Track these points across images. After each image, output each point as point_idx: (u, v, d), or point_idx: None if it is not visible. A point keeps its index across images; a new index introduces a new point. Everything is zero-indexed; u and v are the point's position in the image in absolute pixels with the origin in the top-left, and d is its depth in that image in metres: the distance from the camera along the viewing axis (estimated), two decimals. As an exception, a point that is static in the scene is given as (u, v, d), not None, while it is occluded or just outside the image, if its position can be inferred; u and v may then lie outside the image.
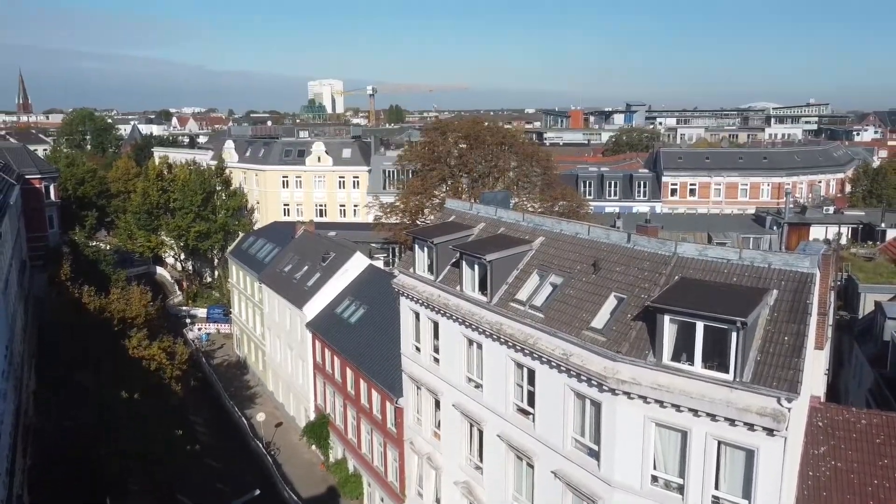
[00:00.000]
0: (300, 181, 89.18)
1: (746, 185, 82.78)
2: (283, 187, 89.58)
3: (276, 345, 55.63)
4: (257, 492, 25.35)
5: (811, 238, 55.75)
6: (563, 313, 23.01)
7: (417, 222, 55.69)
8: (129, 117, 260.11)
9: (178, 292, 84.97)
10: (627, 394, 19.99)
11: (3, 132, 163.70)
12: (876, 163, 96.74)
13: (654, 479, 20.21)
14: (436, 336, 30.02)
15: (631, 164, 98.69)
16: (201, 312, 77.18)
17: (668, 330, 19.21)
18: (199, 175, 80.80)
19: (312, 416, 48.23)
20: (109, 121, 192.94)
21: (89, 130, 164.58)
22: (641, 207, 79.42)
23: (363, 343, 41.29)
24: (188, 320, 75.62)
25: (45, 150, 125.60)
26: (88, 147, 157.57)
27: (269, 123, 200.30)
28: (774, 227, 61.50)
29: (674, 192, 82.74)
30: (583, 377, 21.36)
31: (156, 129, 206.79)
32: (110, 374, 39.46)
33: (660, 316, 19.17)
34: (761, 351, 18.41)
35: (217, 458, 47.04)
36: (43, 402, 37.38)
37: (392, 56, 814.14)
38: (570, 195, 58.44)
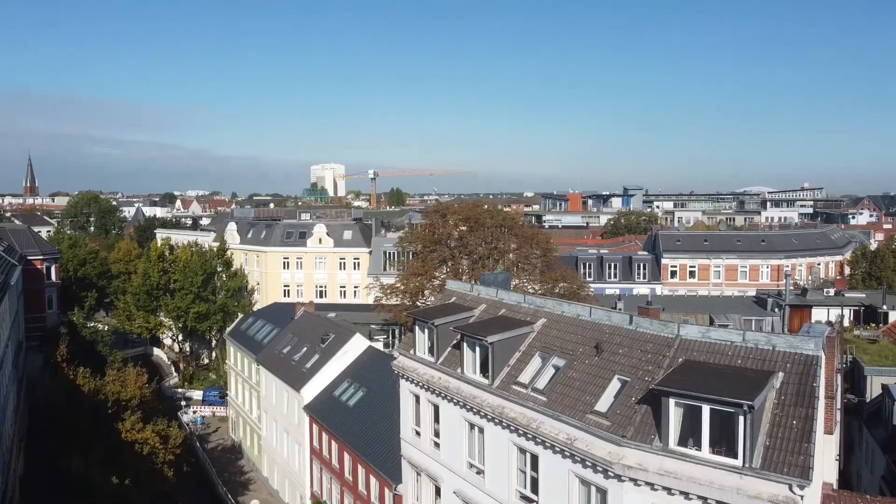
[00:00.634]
0: (301, 262, 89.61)
1: (746, 267, 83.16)
2: (284, 268, 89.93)
3: (272, 428, 54.45)
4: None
5: (813, 320, 55.48)
6: (566, 396, 22.62)
7: (418, 303, 55.57)
8: (134, 200, 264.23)
9: (175, 374, 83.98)
10: (634, 480, 19.40)
11: (8, 214, 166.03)
12: (873, 245, 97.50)
13: (665, 571, 19.34)
14: (436, 420, 29.41)
15: (630, 246, 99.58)
16: (197, 395, 76.01)
17: (674, 414, 18.84)
18: (200, 256, 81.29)
19: (308, 503, 46.71)
20: (114, 203, 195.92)
21: (93, 212, 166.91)
22: (642, 289, 79.46)
23: (362, 427, 40.43)
24: (183, 402, 74.32)
25: (49, 231, 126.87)
26: (92, 229, 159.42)
27: (272, 206, 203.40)
28: (776, 309, 61.32)
29: (674, 273, 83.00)
30: (588, 462, 20.79)
31: (159, 212, 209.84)
32: (102, 459, 38.44)
33: (665, 399, 18.84)
34: (770, 435, 17.99)
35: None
36: (30, 487, 36.27)
37: (392, 141, 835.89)
38: (570, 277, 58.56)
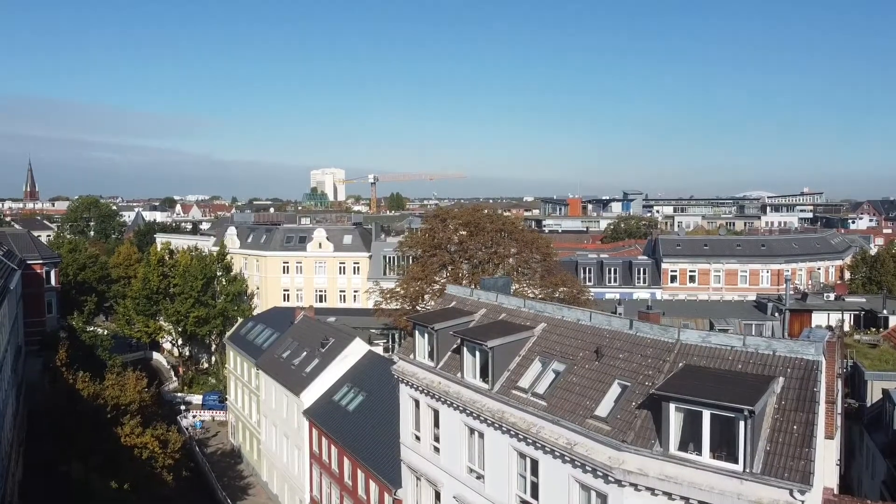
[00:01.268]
0: (301, 267, 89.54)
1: (746, 271, 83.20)
2: (284, 273, 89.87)
3: (271, 433, 54.36)
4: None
5: (813, 325, 55.45)
6: (566, 401, 22.59)
7: (418, 308, 55.51)
8: (134, 204, 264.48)
9: (174, 378, 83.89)
10: (634, 485, 19.36)
11: (8, 219, 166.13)
12: (873, 250, 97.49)
13: (665, 577, 19.27)
14: (436, 424, 29.37)
15: (630, 250, 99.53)
16: (196, 399, 75.94)
17: (675, 419, 18.81)
18: (200, 261, 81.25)
19: (307, 509, 46.58)
20: (114, 207, 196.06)
21: (93, 217, 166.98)
22: (641, 294, 79.40)
23: (361, 431, 40.36)
24: (183, 407, 74.22)
25: (48, 236, 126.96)
26: (92, 233, 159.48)
27: (272, 211, 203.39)
28: (776, 314, 61.28)
29: (673, 278, 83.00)
30: (588, 467, 20.74)
31: (159, 216, 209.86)
32: (101, 464, 38.37)
33: (665, 404, 18.82)
34: (770, 441, 17.96)
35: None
36: (29, 493, 36.19)
37: (392, 146, 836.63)
38: (570, 282, 58.48)
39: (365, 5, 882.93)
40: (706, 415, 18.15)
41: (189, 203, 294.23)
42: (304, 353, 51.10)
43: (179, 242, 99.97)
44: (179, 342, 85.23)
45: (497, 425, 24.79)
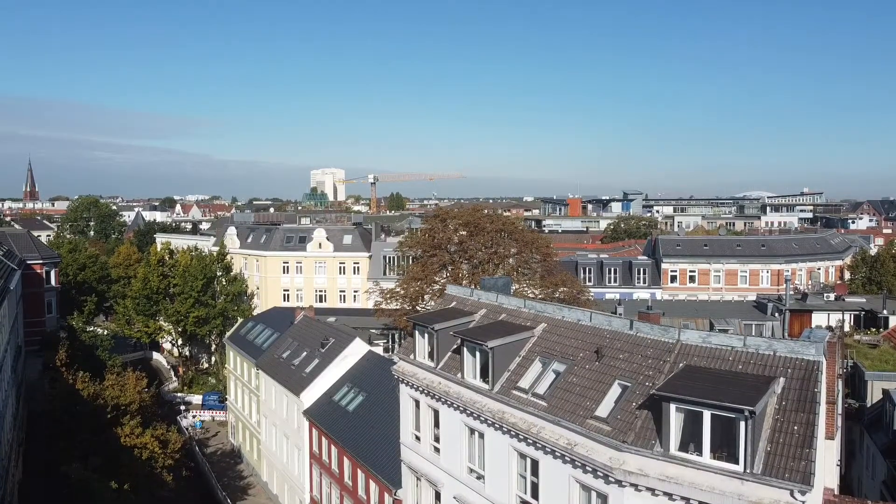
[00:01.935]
0: (301, 267, 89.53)
1: (746, 272, 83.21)
2: (284, 273, 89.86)
3: (271, 433, 54.34)
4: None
5: (813, 325, 55.45)
6: (566, 401, 22.57)
7: (418, 308, 55.50)
8: (134, 204, 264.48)
9: (174, 378, 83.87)
10: (635, 485, 19.34)
11: (8, 219, 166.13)
12: (873, 250, 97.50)
13: (666, 578, 19.26)
14: (436, 425, 29.35)
15: (630, 251, 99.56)
16: (196, 399, 75.93)
17: (675, 419, 18.79)
18: (200, 260, 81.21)
19: (307, 509, 46.56)
20: (114, 208, 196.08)
21: (93, 217, 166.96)
22: (641, 294, 79.40)
23: (361, 431, 40.35)
24: (183, 407, 74.21)
25: (48, 236, 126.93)
26: (92, 233, 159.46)
27: (272, 211, 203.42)
28: (776, 314, 61.28)
29: (673, 278, 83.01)
30: (588, 468, 20.73)
31: (159, 216, 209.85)
32: (101, 464, 38.34)
33: (666, 405, 18.80)
34: (771, 441, 17.95)
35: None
36: (34, 490, 36.18)
37: (392, 146, 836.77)
38: (570, 282, 58.47)
39: (365, 5, 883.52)
40: (707, 415, 18.14)
41: (189, 203, 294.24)
42: (304, 353, 51.08)
43: (179, 242, 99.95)
44: (179, 342, 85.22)
45: (497, 425, 24.77)
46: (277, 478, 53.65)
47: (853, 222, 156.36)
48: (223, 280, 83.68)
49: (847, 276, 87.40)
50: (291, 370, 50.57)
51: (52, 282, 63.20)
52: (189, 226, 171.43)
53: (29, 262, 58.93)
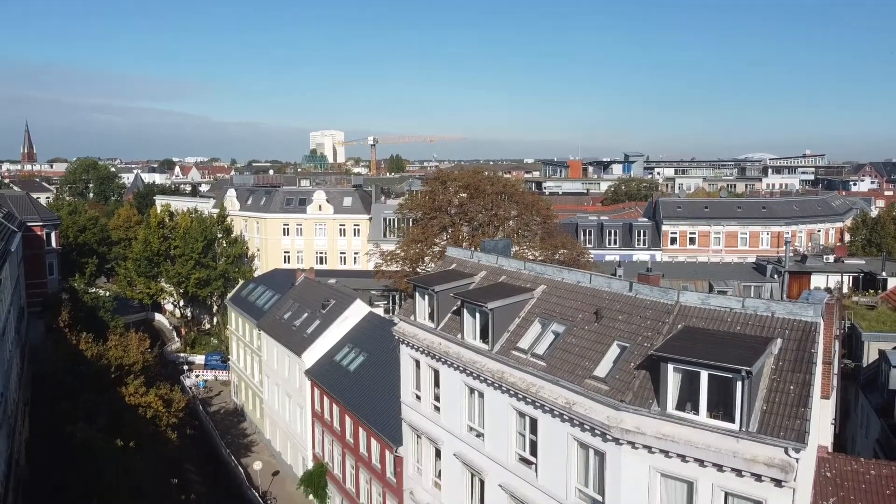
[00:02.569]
0: (301, 229, 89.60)
1: (746, 234, 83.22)
2: (284, 235, 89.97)
3: (273, 392, 55.02)
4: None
5: (812, 286, 55.70)
6: (565, 362, 22.82)
7: (418, 270, 55.68)
8: (133, 166, 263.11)
9: (177, 339, 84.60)
10: (632, 443, 19.66)
11: (7, 181, 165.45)
12: (874, 212, 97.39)
13: (661, 532, 19.72)
14: (436, 384, 29.72)
15: (630, 213, 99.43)
16: (199, 359, 76.65)
17: (672, 379, 19.01)
18: (200, 223, 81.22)
19: (310, 465, 47.38)
20: (113, 170, 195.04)
21: (92, 179, 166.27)
22: (641, 256, 79.60)
23: (362, 391, 40.86)
24: (186, 367, 74.98)
25: (48, 198, 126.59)
26: (91, 195, 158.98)
27: (271, 173, 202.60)
28: (775, 276, 61.49)
29: (673, 240, 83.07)
30: (586, 426, 21.05)
31: (158, 178, 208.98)
32: (105, 424, 38.88)
33: (663, 365, 19.00)
34: (767, 401, 18.18)
35: (212, 510, 46.03)
36: (37, 452, 36.75)
37: (392, 107, 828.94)
38: (570, 244, 58.55)
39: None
40: (704, 375, 18.34)
41: (188, 165, 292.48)
42: (305, 314, 51.43)
43: (179, 204, 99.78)
44: (181, 303, 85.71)
45: (497, 385, 25.08)
46: (280, 436, 54.49)
47: (854, 184, 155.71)
48: (224, 242, 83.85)
49: (847, 238, 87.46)
50: (293, 331, 50.98)
51: (53, 244, 63.21)
52: (188, 188, 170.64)
53: (29, 224, 58.86)
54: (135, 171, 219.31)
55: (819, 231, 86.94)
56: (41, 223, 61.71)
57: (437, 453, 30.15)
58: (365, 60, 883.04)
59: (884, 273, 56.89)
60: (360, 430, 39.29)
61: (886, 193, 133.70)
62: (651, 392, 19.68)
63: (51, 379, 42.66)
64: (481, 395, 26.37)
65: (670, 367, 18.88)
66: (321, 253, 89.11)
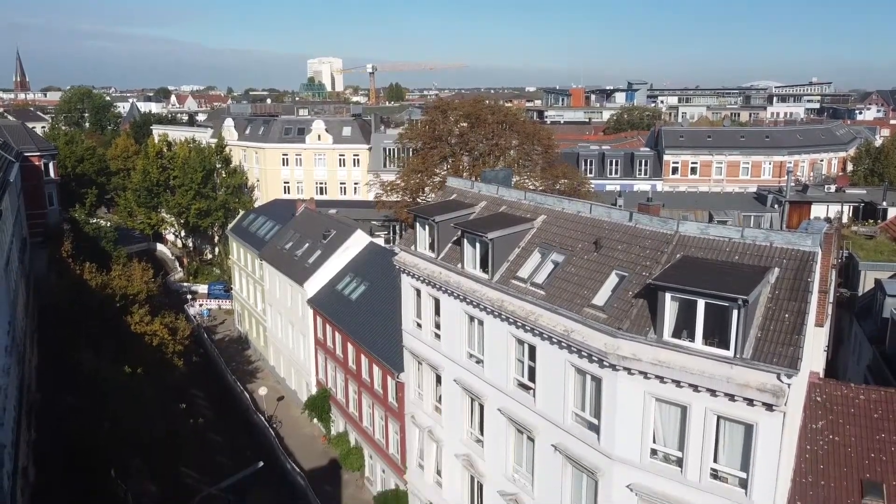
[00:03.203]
0: (300, 159, 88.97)
1: (748, 163, 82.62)
2: (284, 165, 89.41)
3: (277, 321, 55.89)
4: (261, 464, 25.62)
5: (812, 216, 55.75)
6: (564, 291, 23.10)
7: (418, 200, 55.64)
8: (128, 95, 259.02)
9: (179, 269, 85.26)
10: (628, 369, 20.14)
11: (1, 110, 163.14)
12: (878, 142, 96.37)
13: (654, 452, 20.44)
14: (437, 313, 30.18)
15: (632, 142, 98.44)
16: (202, 288, 77.52)
17: (670, 307, 19.30)
18: (198, 153, 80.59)
19: (314, 391, 48.61)
20: (108, 99, 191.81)
21: (87, 108, 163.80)
22: (642, 186, 79.31)
23: (364, 319, 41.51)
24: (189, 296, 75.88)
25: (43, 127, 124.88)
26: (87, 125, 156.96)
27: (269, 102, 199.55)
28: (775, 206, 61.45)
29: (675, 170, 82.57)
30: (584, 353, 21.51)
31: (154, 107, 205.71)
32: (112, 352, 39.60)
33: (661, 294, 19.25)
34: (762, 328, 18.52)
35: (219, 433, 47.48)
36: (45, 379, 37.56)
37: (391, 34, 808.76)
38: (571, 174, 58.31)
39: None
40: (701, 304, 18.61)
41: (184, 94, 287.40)
42: (307, 244, 51.70)
43: (177, 134, 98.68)
44: (182, 234, 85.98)
45: (496, 313, 25.48)
46: (284, 363, 55.65)
47: (860, 113, 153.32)
48: (223, 172, 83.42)
49: (850, 167, 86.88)
50: (294, 261, 51.36)
51: (52, 174, 62.82)
52: (185, 117, 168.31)
53: (26, 154, 58.37)
54: (130, 100, 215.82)
55: (822, 161, 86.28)
56: (39, 153, 61.20)
57: (438, 379, 30.88)
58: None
59: (884, 203, 56.86)
60: (363, 357, 40.11)
61: (892, 122, 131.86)
62: (648, 320, 20.02)
63: (56, 309, 43.16)
64: (481, 323, 26.82)
65: (668, 295, 19.13)
66: (321, 183, 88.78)
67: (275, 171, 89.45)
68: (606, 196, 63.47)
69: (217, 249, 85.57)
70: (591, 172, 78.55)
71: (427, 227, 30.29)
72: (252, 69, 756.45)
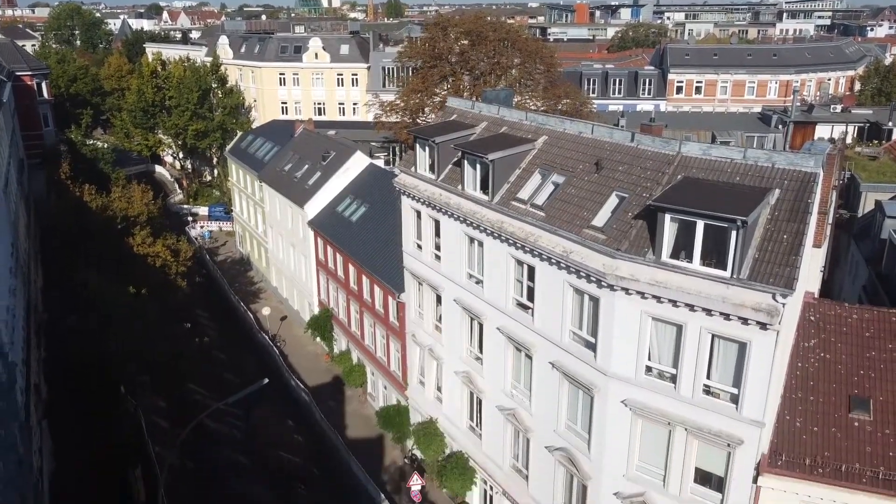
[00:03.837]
0: (297, 79, 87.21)
1: (754, 82, 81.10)
2: (281, 85, 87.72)
3: (278, 242, 56.19)
4: (266, 381, 26.31)
5: (816, 137, 55.17)
6: (564, 212, 23.14)
7: (418, 121, 54.95)
8: (118, 11, 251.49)
9: (179, 191, 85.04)
10: (626, 290, 20.41)
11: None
12: (888, 60, 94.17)
13: (649, 369, 20.99)
14: (437, 234, 30.32)
15: (636, 60, 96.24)
16: (202, 210, 77.57)
17: (669, 228, 19.37)
18: (194, 72, 78.88)
19: (316, 311, 49.37)
20: (98, 15, 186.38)
21: (78, 25, 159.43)
22: (646, 106, 78.15)
23: (365, 240, 41.72)
24: (190, 218, 76.01)
25: (33, 45, 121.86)
26: (78, 43, 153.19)
27: (264, 18, 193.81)
28: (779, 126, 60.71)
29: (679, 90, 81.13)
30: (582, 273, 21.75)
31: (146, 25, 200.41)
32: (115, 273, 39.98)
33: (661, 215, 19.28)
34: (760, 249, 18.65)
35: (224, 351, 48.53)
36: (50, 299, 38.11)
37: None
38: (573, 93, 57.35)
39: None
40: (700, 225, 18.67)
41: (176, 10, 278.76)
42: (306, 166, 51.37)
43: (171, 53, 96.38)
44: (180, 155, 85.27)
45: (496, 235, 25.61)
46: (286, 283, 56.29)
47: (872, 30, 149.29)
48: (219, 92, 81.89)
49: (857, 87, 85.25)
50: (294, 182, 51.17)
51: (45, 94, 61.83)
52: (178, 35, 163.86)
53: (18, 73, 57.26)
54: (121, 17, 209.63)
55: (829, 80, 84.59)
56: (30, 72, 60.08)
57: (438, 299, 31.34)
58: None
59: (890, 123, 56.10)
60: (364, 277, 40.54)
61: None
62: (647, 241, 20.15)
63: (57, 230, 43.31)
64: (481, 244, 27.00)
65: (667, 216, 19.17)
66: (319, 104, 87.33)
67: (272, 91, 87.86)
68: (609, 116, 62.64)
69: (216, 171, 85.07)
70: (594, 92, 77.22)
71: (427, 149, 30.05)
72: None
